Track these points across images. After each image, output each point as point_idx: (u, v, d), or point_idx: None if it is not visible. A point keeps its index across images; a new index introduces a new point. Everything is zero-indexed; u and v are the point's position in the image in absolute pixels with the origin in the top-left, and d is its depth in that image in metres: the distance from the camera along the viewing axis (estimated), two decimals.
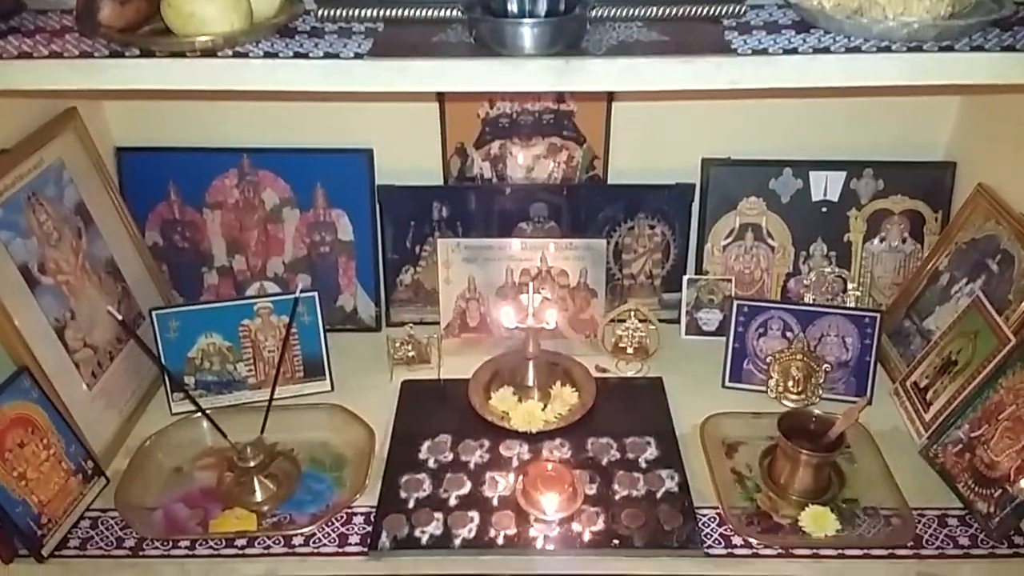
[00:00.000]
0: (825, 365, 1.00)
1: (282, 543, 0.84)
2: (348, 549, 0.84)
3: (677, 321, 1.17)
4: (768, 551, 0.82)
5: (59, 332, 0.89)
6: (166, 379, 0.99)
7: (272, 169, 1.10)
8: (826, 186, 1.11)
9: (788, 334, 1.04)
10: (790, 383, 1.01)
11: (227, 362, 1.02)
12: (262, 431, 0.91)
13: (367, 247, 1.14)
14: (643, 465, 0.93)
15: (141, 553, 0.83)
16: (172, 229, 1.13)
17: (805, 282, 1.12)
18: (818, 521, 0.84)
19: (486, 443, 0.97)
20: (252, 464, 0.88)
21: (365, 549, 0.83)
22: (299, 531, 0.85)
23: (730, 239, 1.15)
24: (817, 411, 0.90)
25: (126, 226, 1.05)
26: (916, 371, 0.99)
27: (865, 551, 0.82)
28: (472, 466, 0.94)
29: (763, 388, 1.04)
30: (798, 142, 1.12)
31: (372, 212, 1.13)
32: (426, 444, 0.97)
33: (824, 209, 1.12)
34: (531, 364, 1.03)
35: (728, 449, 0.96)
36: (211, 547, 0.83)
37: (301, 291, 1.01)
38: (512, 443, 0.97)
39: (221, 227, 1.12)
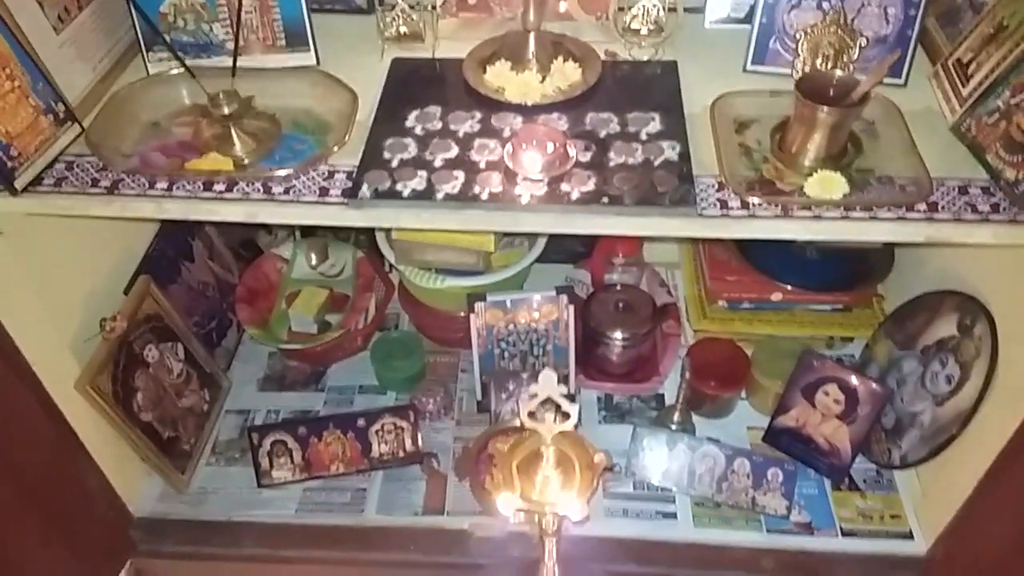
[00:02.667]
0: (861, 39, 0.89)
1: (261, 191, 0.82)
2: (328, 199, 0.81)
3: (702, 10, 1.05)
4: (766, 212, 0.77)
5: None
6: (135, 20, 0.91)
7: None
8: None
9: (824, 5, 0.92)
10: (819, 60, 0.91)
11: (202, 21, 0.94)
12: (233, 74, 0.86)
13: None
14: (644, 137, 0.87)
15: (118, 192, 0.81)
16: None
17: None
18: (825, 184, 0.78)
19: (478, 115, 0.91)
20: (227, 111, 0.83)
21: (346, 200, 0.81)
22: (278, 179, 0.82)
23: None
24: (840, 72, 0.81)
25: None
26: (961, 46, 0.88)
27: (872, 214, 0.76)
28: (461, 134, 0.88)
29: (788, 71, 0.94)
30: None
31: None
32: (414, 113, 0.91)
33: None
34: (531, 36, 0.94)
35: (739, 126, 0.88)
36: (189, 189, 0.81)
37: None
38: (505, 115, 0.90)
39: None
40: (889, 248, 1.21)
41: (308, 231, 1.44)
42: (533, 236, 1.24)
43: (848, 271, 1.21)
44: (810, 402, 1.13)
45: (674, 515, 1.13)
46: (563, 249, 1.42)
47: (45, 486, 0.95)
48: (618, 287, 1.30)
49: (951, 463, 1.01)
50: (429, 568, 1.10)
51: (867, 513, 1.12)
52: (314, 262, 1.39)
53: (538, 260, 1.27)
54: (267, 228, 1.48)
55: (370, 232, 1.36)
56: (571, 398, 1.22)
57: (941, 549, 1.03)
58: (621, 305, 1.26)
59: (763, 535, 1.10)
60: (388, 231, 1.20)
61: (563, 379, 1.24)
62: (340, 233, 1.43)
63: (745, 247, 1.24)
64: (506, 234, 1.22)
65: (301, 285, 1.35)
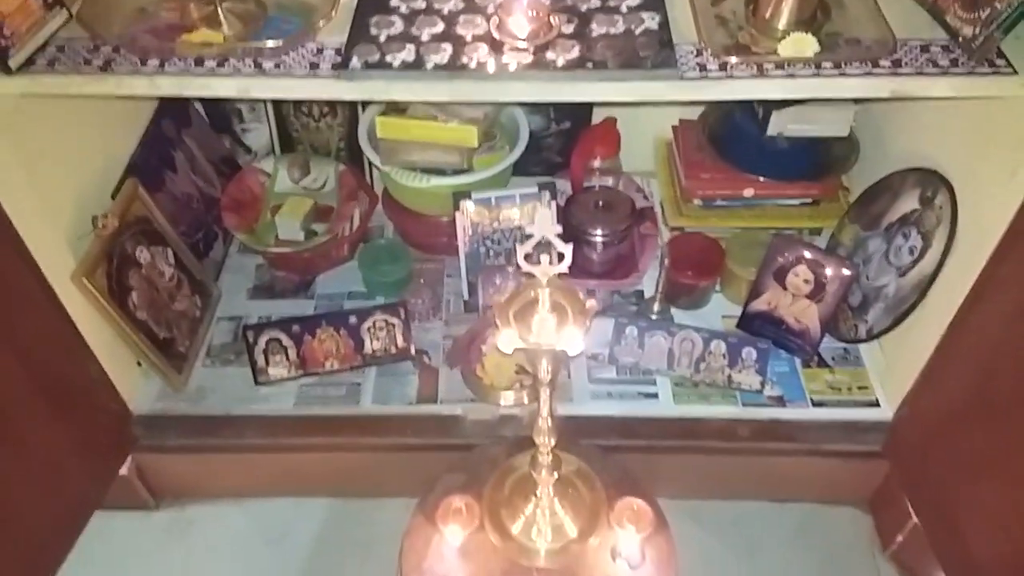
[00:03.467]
0: None
1: (252, 66, 0.83)
2: (319, 73, 0.83)
3: None
4: (743, 72, 0.81)
5: None
6: None
7: None
8: None
9: None
10: None
11: None
12: None
13: None
14: (624, 10, 0.90)
15: (111, 70, 0.82)
16: None
17: None
18: (798, 44, 0.82)
19: None
20: None
21: (337, 72, 0.83)
22: (269, 53, 0.83)
23: None
24: None
25: None
26: None
27: (841, 71, 0.81)
28: (446, 11, 0.90)
29: None
30: None
31: None
32: None
33: None
34: None
35: (714, 0, 0.92)
36: (181, 66, 0.83)
37: None
38: None
39: None
40: (853, 138, 1.26)
41: (288, 146, 1.45)
42: (514, 137, 1.27)
43: (816, 160, 1.26)
44: (781, 285, 1.19)
45: (655, 395, 1.20)
46: (541, 160, 1.45)
47: (49, 375, 0.97)
48: (597, 187, 1.34)
49: (913, 331, 1.08)
50: (424, 450, 1.15)
51: (836, 386, 1.19)
52: (296, 176, 1.40)
53: (516, 173, 1.30)
54: (246, 147, 1.48)
55: (351, 145, 1.38)
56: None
57: (905, 412, 1.11)
58: (600, 203, 1.30)
59: (739, 408, 1.17)
60: (372, 129, 1.22)
61: None
62: (320, 147, 1.44)
63: (718, 141, 1.29)
64: (487, 134, 1.25)
65: (285, 198, 1.36)
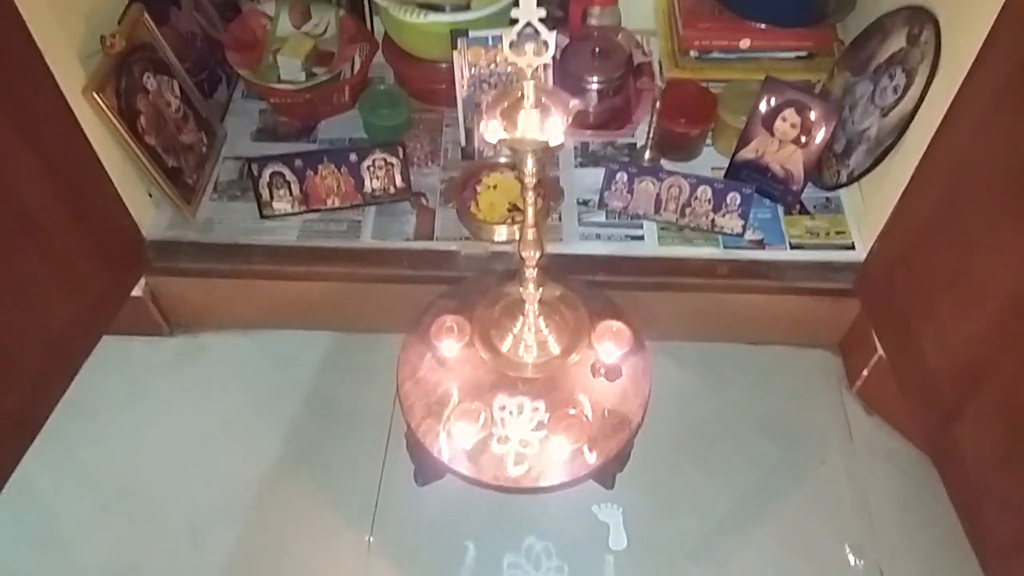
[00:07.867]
0: None
1: None
2: None
3: None
4: None
5: None
6: None
7: None
8: None
9: None
10: None
11: None
12: None
13: None
14: None
15: None
16: None
17: None
18: None
19: None
20: None
21: None
22: None
23: None
24: None
25: None
26: None
27: None
28: None
29: None
30: None
31: None
32: None
33: None
34: None
35: None
36: None
37: None
38: None
39: None
40: None
41: None
42: None
43: (813, 4, 1.27)
44: (769, 131, 1.22)
45: (641, 237, 1.25)
46: None
47: (69, 185, 0.99)
48: (595, 34, 1.35)
49: (889, 170, 1.11)
50: (420, 282, 1.21)
51: (814, 231, 1.24)
52: (297, 21, 1.41)
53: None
54: None
55: None
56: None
57: (876, 248, 1.16)
58: (598, 50, 1.32)
59: (720, 250, 1.23)
60: None
61: None
62: None
63: None
64: None
65: (286, 41, 1.38)
